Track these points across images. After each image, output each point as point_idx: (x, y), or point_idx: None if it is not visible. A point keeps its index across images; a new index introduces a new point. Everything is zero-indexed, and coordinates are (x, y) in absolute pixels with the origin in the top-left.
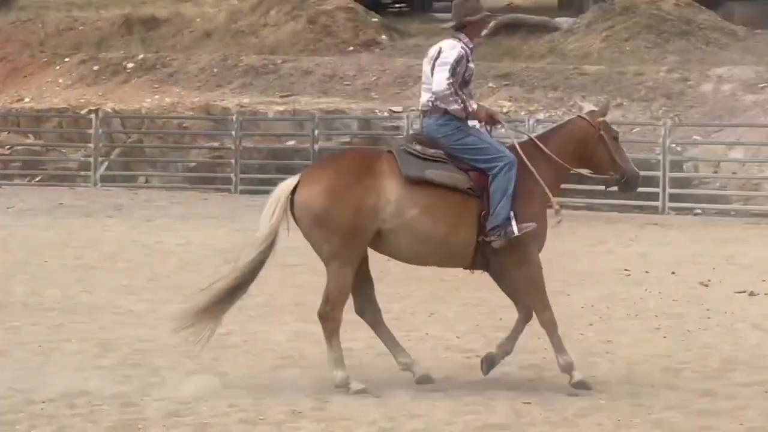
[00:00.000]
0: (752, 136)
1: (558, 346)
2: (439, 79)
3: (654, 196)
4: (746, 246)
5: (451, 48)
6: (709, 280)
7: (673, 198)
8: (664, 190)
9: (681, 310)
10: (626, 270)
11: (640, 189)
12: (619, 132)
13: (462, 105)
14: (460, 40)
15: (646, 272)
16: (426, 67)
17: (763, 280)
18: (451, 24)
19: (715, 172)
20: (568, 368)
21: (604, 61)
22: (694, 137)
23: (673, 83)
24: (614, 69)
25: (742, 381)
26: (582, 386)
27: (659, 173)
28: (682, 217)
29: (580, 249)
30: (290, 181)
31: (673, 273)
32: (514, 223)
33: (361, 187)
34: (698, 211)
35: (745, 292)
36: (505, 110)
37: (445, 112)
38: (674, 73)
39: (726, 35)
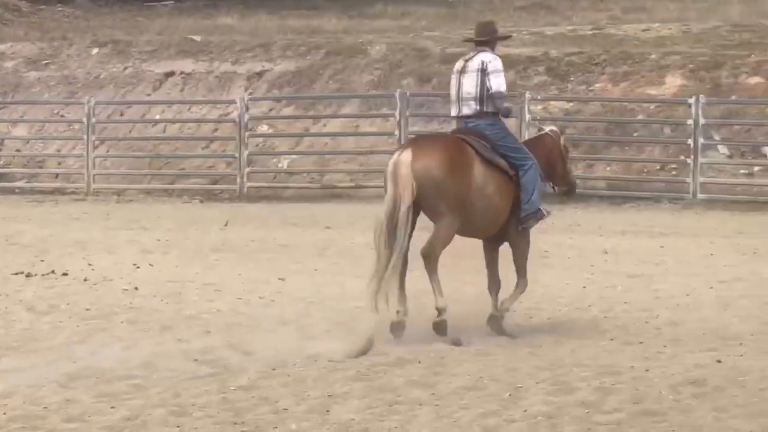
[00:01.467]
0: (35, 113)
1: (513, 301)
2: (499, 84)
3: None
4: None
5: (494, 59)
6: None
7: None
8: None
9: None
10: None
11: None
12: None
13: (509, 104)
14: (492, 52)
15: None
16: (463, 78)
17: (42, 260)
18: (479, 39)
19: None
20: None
21: None
22: None
23: None
24: None
25: None
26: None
27: None
28: None
29: None
30: (405, 155)
31: None
32: (543, 207)
33: (464, 163)
34: None
35: (23, 273)
36: None
37: (493, 115)
38: None
39: (10, 11)
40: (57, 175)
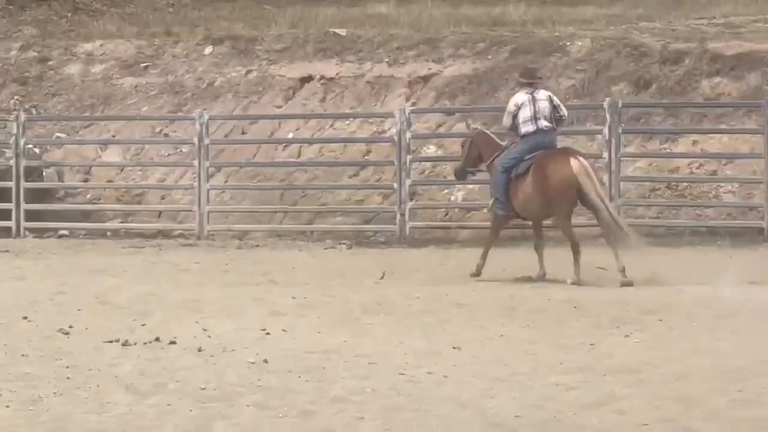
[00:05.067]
0: (131, 132)
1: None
2: (564, 109)
3: (5, 214)
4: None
5: (551, 92)
6: (71, 327)
7: (30, 216)
8: (18, 205)
9: (32, 369)
10: None
11: None
12: None
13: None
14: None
15: None
16: (541, 104)
17: (143, 325)
18: (527, 80)
19: (86, 180)
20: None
21: None
22: (57, 135)
23: (29, 64)
24: None
25: None
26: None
27: (11, 184)
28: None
29: None
30: (575, 162)
31: (25, 318)
32: None
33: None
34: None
35: (118, 341)
36: None
37: (555, 130)
38: (30, 51)
39: (99, 0)
40: (160, 213)
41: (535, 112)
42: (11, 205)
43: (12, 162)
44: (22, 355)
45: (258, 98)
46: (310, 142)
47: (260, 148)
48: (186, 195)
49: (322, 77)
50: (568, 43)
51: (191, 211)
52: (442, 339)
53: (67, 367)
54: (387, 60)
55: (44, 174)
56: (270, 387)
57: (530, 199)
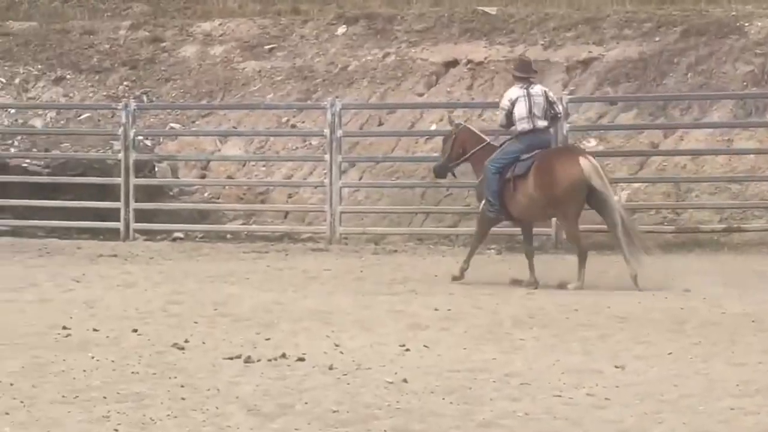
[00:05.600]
0: (254, 122)
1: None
2: (560, 107)
3: (113, 214)
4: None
5: (546, 88)
6: (187, 341)
7: (141, 216)
8: (127, 204)
9: (143, 388)
10: (65, 327)
11: (90, 203)
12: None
13: None
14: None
15: (95, 330)
16: (537, 99)
17: (268, 339)
18: (522, 74)
19: (203, 176)
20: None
21: (38, 14)
22: (171, 126)
23: (139, 46)
24: (52, 26)
25: None
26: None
27: (120, 180)
28: (153, 243)
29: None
30: (584, 161)
31: (135, 331)
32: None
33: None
34: (179, 234)
35: (240, 357)
36: None
37: (549, 128)
38: (141, 31)
39: None
40: (286, 214)
41: (530, 109)
42: (119, 204)
43: (120, 155)
44: (132, 373)
45: (397, 85)
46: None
47: (399, 141)
48: (315, 194)
49: (468, 61)
50: (747, 24)
51: (321, 211)
52: (603, 356)
53: (182, 386)
54: (542, 42)
55: (156, 169)
56: (410, 409)
57: (533, 201)
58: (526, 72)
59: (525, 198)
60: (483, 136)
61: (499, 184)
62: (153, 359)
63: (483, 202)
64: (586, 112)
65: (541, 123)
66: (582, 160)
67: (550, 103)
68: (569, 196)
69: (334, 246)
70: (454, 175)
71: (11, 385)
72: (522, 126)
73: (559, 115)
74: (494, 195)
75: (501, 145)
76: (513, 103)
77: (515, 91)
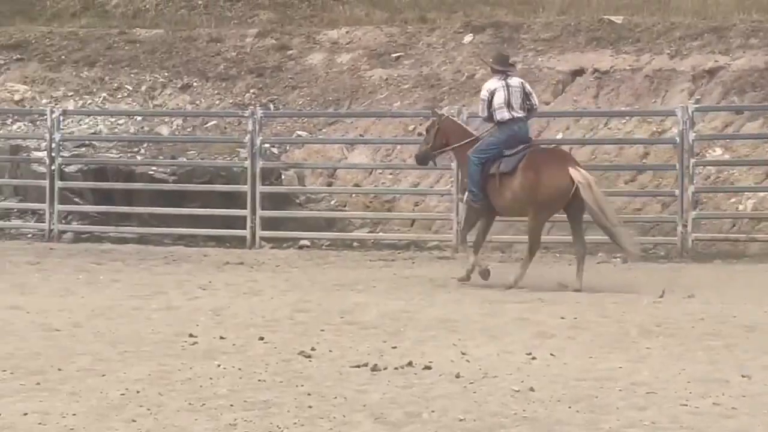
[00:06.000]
0: (381, 130)
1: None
2: (536, 99)
3: (239, 222)
4: (371, 295)
5: (523, 80)
6: (313, 349)
7: (267, 224)
8: (254, 212)
9: (269, 396)
10: (192, 335)
11: (217, 211)
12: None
13: None
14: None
15: (222, 338)
16: (514, 90)
17: (394, 347)
18: (501, 67)
19: (330, 184)
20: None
21: (164, 22)
22: (298, 133)
23: (266, 53)
24: (178, 34)
25: None
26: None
27: (246, 187)
28: (280, 251)
29: (125, 303)
30: (575, 173)
31: (261, 339)
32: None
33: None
34: (305, 242)
35: (366, 365)
36: (17, 98)
37: (527, 119)
38: (268, 39)
39: None
40: (413, 222)
41: (508, 99)
42: (246, 212)
43: (247, 163)
44: (259, 381)
45: None
46: (582, 143)
47: None
48: (442, 202)
49: (595, 70)
50: None
51: (448, 219)
52: (730, 366)
53: (309, 395)
54: (668, 51)
55: (283, 177)
56: (536, 418)
57: (516, 199)
58: (503, 65)
59: (510, 194)
60: (466, 127)
61: (482, 175)
62: (279, 367)
63: (466, 193)
64: (712, 122)
65: (517, 113)
66: (573, 172)
67: (526, 95)
68: (550, 204)
69: (461, 254)
70: (434, 163)
71: (138, 392)
72: (501, 115)
73: (535, 107)
74: (477, 185)
75: (481, 136)
76: (492, 94)
77: (494, 83)
